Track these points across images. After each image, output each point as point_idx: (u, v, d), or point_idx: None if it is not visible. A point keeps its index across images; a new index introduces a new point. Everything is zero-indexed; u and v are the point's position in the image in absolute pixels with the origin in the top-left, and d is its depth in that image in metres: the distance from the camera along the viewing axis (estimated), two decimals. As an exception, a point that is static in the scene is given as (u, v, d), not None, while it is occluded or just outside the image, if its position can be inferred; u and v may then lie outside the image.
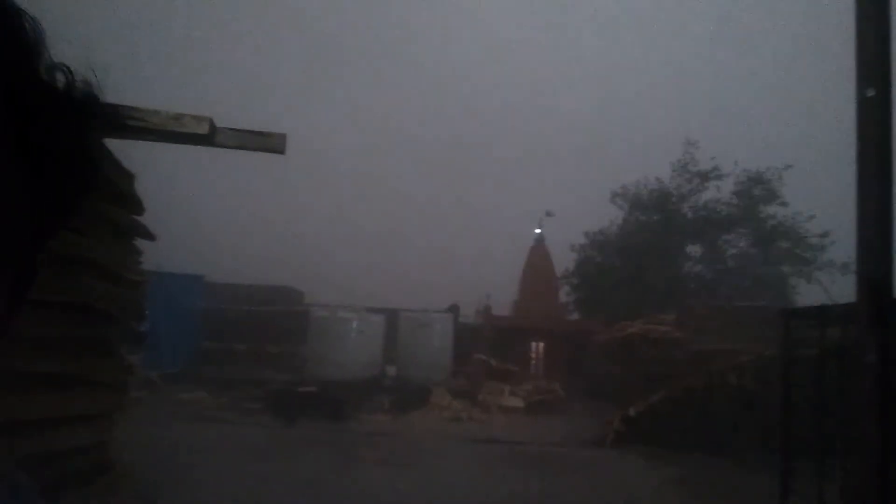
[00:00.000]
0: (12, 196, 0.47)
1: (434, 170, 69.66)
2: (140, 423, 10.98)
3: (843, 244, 23.36)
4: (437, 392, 19.43)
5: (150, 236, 7.65)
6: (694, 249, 29.02)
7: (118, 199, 6.56)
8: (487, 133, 72.08)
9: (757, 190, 27.46)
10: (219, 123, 5.72)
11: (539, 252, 28.98)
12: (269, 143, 5.51)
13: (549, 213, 29.42)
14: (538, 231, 29.32)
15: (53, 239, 0.56)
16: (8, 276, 0.49)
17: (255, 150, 5.59)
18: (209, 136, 5.56)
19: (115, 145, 5.91)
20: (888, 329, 3.94)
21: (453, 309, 26.55)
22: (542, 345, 25.52)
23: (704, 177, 28.11)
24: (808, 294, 24.43)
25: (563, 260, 29.82)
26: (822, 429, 5.87)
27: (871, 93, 4.14)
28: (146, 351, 15.24)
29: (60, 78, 0.50)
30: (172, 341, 18.52)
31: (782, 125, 47.33)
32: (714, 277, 28.23)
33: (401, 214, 58.27)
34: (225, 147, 5.68)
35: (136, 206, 7.07)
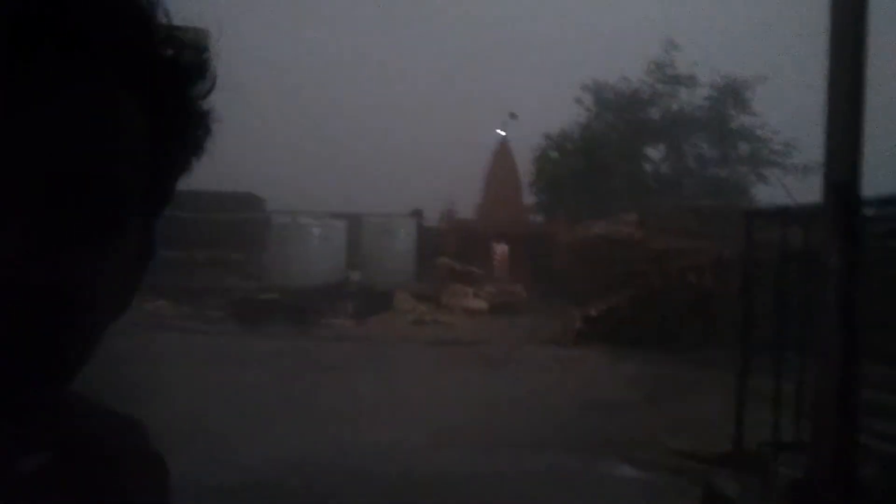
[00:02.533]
0: (135, 163, 0.49)
1: (397, 70, 68.18)
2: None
3: (809, 151, 23.52)
4: (401, 296, 19.52)
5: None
6: (658, 150, 29.02)
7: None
8: (449, 28, 70.32)
9: (729, 98, 27.34)
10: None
11: (502, 154, 28.73)
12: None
13: (513, 116, 29.01)
14: (501, 133, 28.99)
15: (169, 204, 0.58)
16: (133, 243, 0.51)
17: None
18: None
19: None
20: (852, 233, 3.89)
21: (416, 213, 26.44)
22: (505, 247, 25.61)
23: (679, 81, 27.83)
24: (768, 197, 24.70)
25: (528, 162, 29.63)
26: (781, 329, 5.93)
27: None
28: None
29: (172, 43, 0.52)
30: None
31: (759, 36, 46.67)
32: (676, 178, 28.37)
33: (362, 117, 57.22)
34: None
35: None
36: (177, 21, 0.52)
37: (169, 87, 0.52)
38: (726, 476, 4.91)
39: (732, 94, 27.31)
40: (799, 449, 4.85)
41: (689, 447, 6.91)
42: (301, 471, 6.09)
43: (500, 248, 24.54)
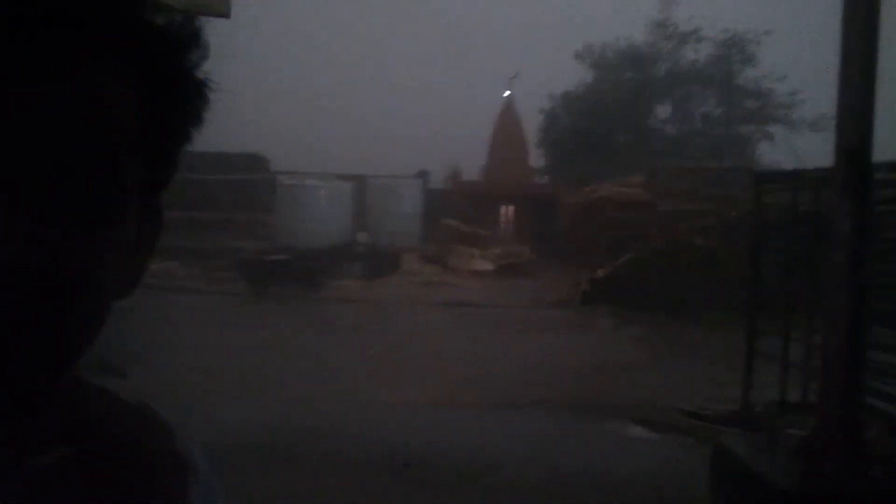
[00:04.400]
0: (131, 142, 0.48)
1: (401, 32, 67.47)
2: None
3: (815, 103, 23.24)
4: (408, 258, 19.60)
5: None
6: (663, 110, 28.80)
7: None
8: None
9: (734, 53, 26.96)
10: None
11: (508, 115, 28.57)
12: (211, 5, 5.12)
13: (516, 76, 28.80)
14: (507, 93, 28.79)
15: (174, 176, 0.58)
16: (135, 222, 0.50)
17: (195, 14, 5.18)
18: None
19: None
20: (863, 197, 3.92)
21: (422, 174, 26.40)
22: (511, 209, 25.64)
23: (683, 38, 27.48)
24: (774, 155, 24.56)
25: (533, 123, 29.47)
26: (789, 291, 5.99)
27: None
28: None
29: (162, 13, 0.51)
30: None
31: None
32: (682, 137, 28.20)
33: (367, 79, 56.77)
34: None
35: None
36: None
37: (161, 57, 0.51)
38: (734, 435, 5.00)
39: (737, 47, 26.94)
40: (806, 409, 4.94)
41: (698, 408, 7.02)
42: (309, 431, 6.20)
43: (506, 210, 24.55)
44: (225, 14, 5.11)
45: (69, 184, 0.44)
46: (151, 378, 7.09)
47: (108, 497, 0.53)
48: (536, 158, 29.75)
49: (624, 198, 18.37)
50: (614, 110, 26.88)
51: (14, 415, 0.45)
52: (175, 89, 0.53)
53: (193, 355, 8.70)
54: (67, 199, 0.44)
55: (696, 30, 27.05)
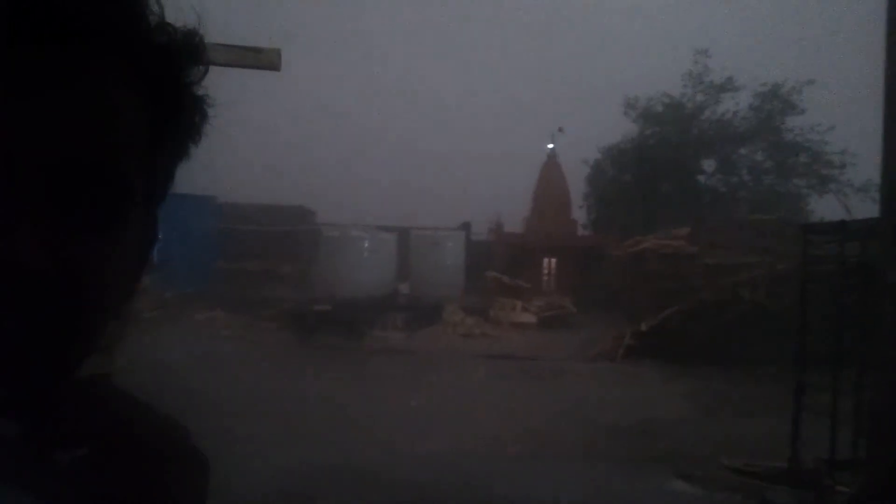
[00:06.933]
0: (136, 151, 0.50)
1: (444, 85, 68.58)
2: (156, 343, 11.14)
3: (863, 167, 22.91)
4: (450, 309, 19.58)
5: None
6: (708, 163, 28.61)
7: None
8: (498, 47, 70.51)
9: (775, 103, 26.75)
10: (210, 39, 5.51)
11: (551, 168, 28.67)
12: (262, 59, 5.28)
13: (561, 130, 28.98)
14: (550, 146, 28.95)
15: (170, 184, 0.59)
16: (136, 230, 0.52)
17: (248, 67, 5.34)
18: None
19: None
20: (912, 246, 3.85)
21: (465, 226, 26.52)
22: (554, 261, 25.51)
23: (719, 88, 27.42)
24: (821, 211, 24.14)
25: (577, 177, 29.50)
26: (839, 344, 5.85)
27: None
28: (159, 271, 15.33)
29: (165, 30, 0.53)
30: (186, 261, 18.59)
31: (804, 37, 45.68)
32: (728, 191, 27.92)
33: (411, 132, 57.64)
34: (215, 64, 5.48)
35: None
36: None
37: (164, 73, 0.53)
38: (782, 492, 4.86)
39: (778, 98, 26.69)
40: (855, 466, 4.79)
41: (744, 464, 6.83)
42: (354, 480, 6.18)
43: (549, 262, 24.46)
44: (276, 67, 5.28)
45: (79, 187, 0.46)
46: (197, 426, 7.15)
47: (129, 493, 0.54)
48: (580, 211, 29.75)
49: (668, 250, 18.17)
50: (658, 163, 26.80)
51: (31, 412, 0.47)
52: (176, 103, 0.55)
53: (237, 402, 8.76)
54: (77, 202, 0.46)
55: (729, 79, 26.94)
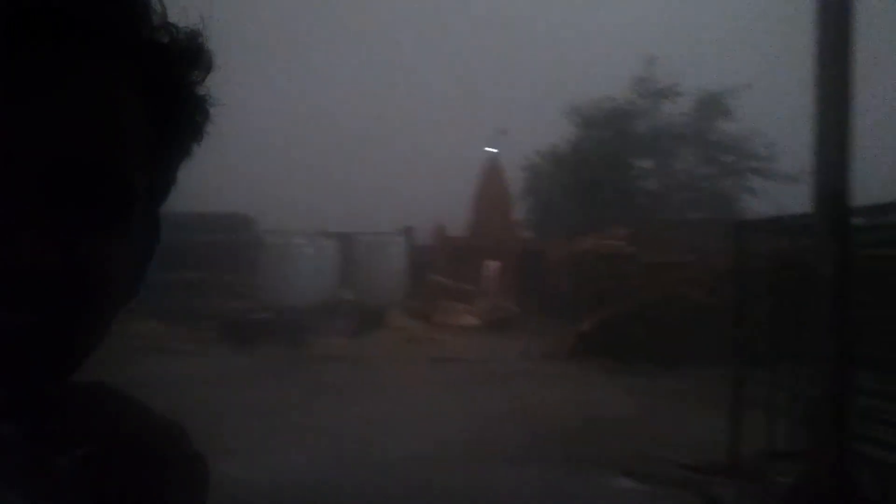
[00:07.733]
0: (138, 150, 0.50)
1: (383, 89, 68.41)
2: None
3: (793, 156, 23.56)
4: (393, 314, 19.49)
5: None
6: (645, 164, 29.12)
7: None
8: (438, 46, 70.72)
9: (711, 109, 27.44)
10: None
11: (492, 170, 28.82)
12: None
13: (504, 132, 29.16)
14: (492, 149, 29.09)
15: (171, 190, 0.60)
16: (138, 230, 0.52)
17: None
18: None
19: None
20: (844, 240, 3.93)
21: (407, 231, 26.46)
22: (496, 264, 25.65)
23: (661, 94, 27.98)
24: (756, 207, 24.77)
25: (518, 179, 29.72)
26: (776, 339, 5.97)
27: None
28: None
29: (167, 29, 0.53)
30: (121, 272, 18.09)
31: (742, 43, 46.86)
32: (665, 192, 28.48)
33: (350, 136, 57.33)
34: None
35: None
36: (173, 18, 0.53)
37: (166, 73, 0.53)
38: (724, 485, 4.92)
39: (715, 104, 27.43)
40: (795, 457, 4.88)
41: (687, 458, 6.92)
42: (301, 489, 6.07)
43: (492, 265, 24.56)
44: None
45: (81, 186, 0.46)
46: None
47: (129, 495, 0.55)
48: (521, 213, 29.95)
49: (608, 250, 18.42)
50: (597, 165, 27.18)
51: (31, 414, 0.47)
52: (178, 102, 0.55)
53: (178, 417, 8.52)
54: (79, 201, 0.46)
55: (672, 85, 27.54)
